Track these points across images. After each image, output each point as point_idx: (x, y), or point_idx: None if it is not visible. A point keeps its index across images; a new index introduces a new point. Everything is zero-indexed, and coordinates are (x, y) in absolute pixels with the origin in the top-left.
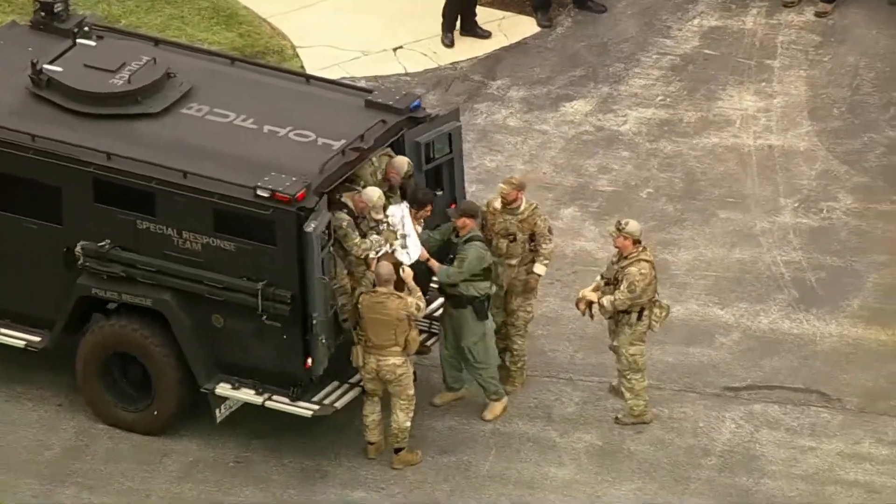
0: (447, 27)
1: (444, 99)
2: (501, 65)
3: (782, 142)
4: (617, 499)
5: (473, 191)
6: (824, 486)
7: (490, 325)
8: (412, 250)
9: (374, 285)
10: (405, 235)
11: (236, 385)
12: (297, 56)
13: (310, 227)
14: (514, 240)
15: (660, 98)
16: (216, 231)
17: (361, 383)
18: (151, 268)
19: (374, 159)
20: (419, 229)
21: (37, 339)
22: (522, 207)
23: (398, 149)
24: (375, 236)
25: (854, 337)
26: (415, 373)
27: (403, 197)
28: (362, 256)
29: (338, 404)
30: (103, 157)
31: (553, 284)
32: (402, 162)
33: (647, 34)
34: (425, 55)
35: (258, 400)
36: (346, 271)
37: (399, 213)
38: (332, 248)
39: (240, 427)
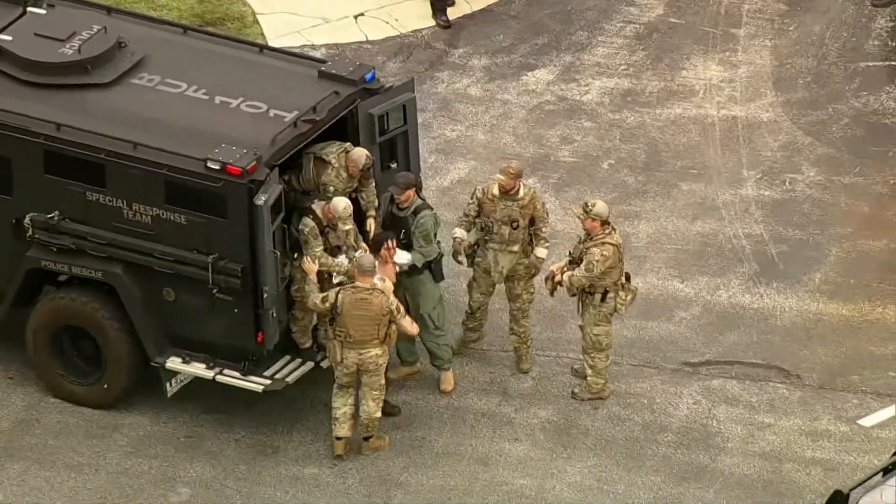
0: (438, 9)
1: (406, 67)
2: (464, 32)
3: (746, 112)
4: (572, 475)
5: (433, 161)
6: (782, 463)
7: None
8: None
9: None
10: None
11: (187, 359)
12: (258, 23)
13: (260, 199)
14: (517, 226)
15: (623, 67)
16: (166, 203)
17: (323, 363)
18: (101, 240)
19: (332, 160)
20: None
21: None
22: (522, 193)
23: (352, 120)
24: (343, 260)
25: (815, 311)
26: (388, 362)
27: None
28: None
29: (290, 379)
30: (53, 128)
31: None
32: (360, 154)
33: (611, 1)
34: (387, 22)
35: (209, 374)
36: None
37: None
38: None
39: (191, 402)
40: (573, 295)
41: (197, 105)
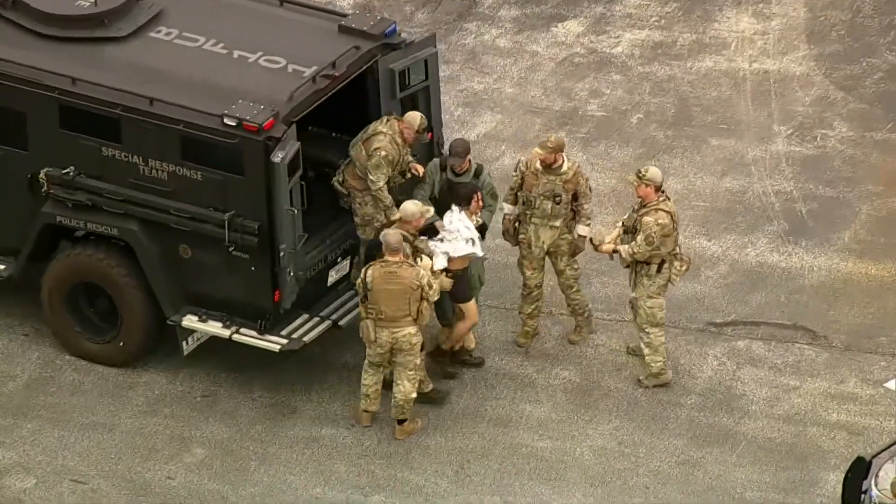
0: None
1: (434, 18)
2: None
3: (778, 66)
4: (593, 438)
5: (459, 114)
6: (806, 427)
7: None
8: (478, 245)
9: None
10: (471, 239)
11: (203, 317)
12: None
13: (277, 157)
14: (559, 201)
15: (654, 19)
16: (183, 159)
17: (342, 322)
18: (117, 196)
19: (383, 129)
20: (478, 219)
21: (1, 267)
22: (566, 167)
23: (373, 77)
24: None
25: (844, 271)
26: (423, 342)
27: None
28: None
29: (307, 338)
30: (68, 82)
31: None
32: (414, 116)
33: None
34: None
35: (225, 333)
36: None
37: (456, 219)
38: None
39: (208, 361)
40: (626, 266)
41: (214, 59)
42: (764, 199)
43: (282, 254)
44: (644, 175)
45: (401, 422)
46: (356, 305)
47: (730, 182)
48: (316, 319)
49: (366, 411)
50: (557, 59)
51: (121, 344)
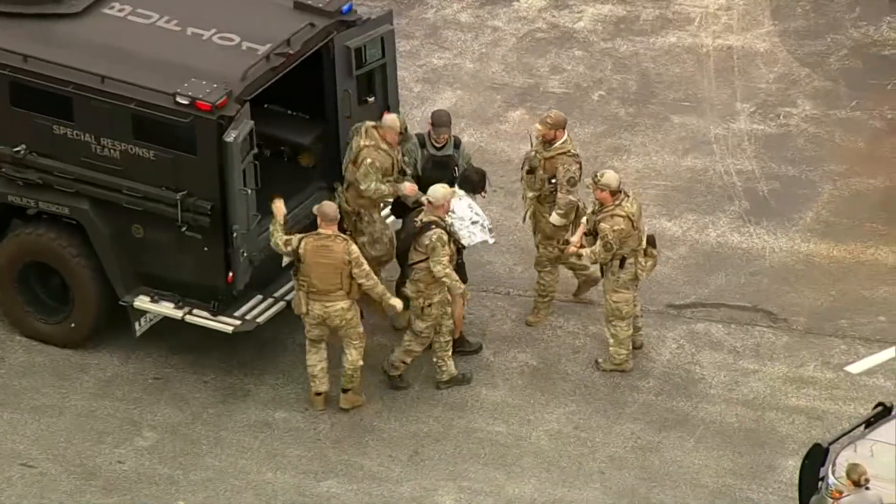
0: None
1: None
2: None
3: (742, 42)
4: (549, 422)
5: (419, 91)
6: (765, 411)
7: None
8: (488, 232)
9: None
10: (476, 222)
11: (156, 298)
12: None
13: (230, 136)
14: (533, 176)
15: None
16: (135, 138)
17: (288, 298)
18: (69, 175)
19: (364, 142)
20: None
21: None
22: (555, 146)
23: (328, 54)
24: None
25: (805, 252)
26: (361, 311)
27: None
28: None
29: (260, 319)
30: (20, 59)
31: (496, 192)
32: (392, 120)
33: None
34: None
35: (178, 314)
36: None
37: (465, 205)
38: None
39: (161, 342)
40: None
41: (168, 36)
42: (726, 178)
43: (235, 234)
44: (599, 180)
45: (345, 390)
46: None
47: (691, 161)
48: (270, 300)
49: (317, 394)
50: (519, 35)
51: (72, 325)
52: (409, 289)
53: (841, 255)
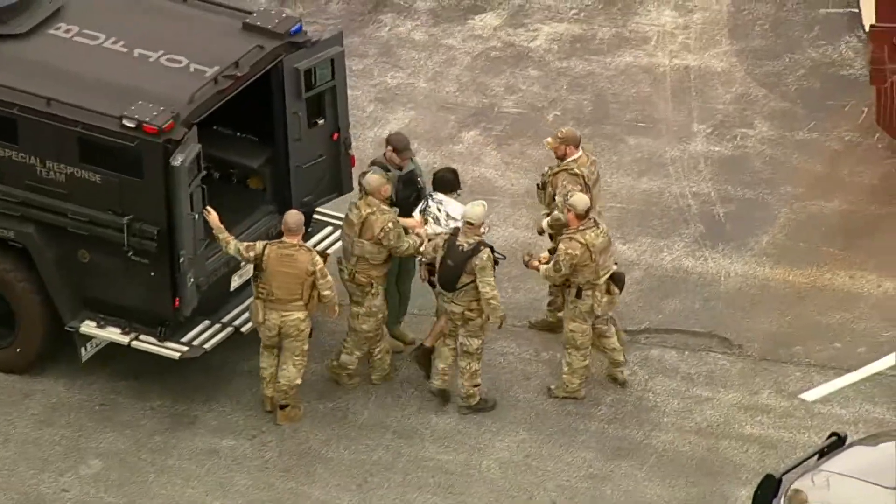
0: None
1: (348, 9)
2: None
3: (699, 62)
4: (499, 451)
5: (372, 110)
6: (718, 440)
7: None
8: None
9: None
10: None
11: (102, 323)
12: None
13: (177, 160)
14: (543, 188)
15: (574, 12)
16: (81, 161)
17: (244, 328)
18: (13, 198)
19: (369, 211)
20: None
21: None
22: (563, 163)
23: (278, 76)
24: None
25: (760, 277)
26: (311, 329)
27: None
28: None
29: (208, 346)
30: None
31: None
32: (378, 182)
33: None
34: None
35: (124, 340)
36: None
37: (455, 206)
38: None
39: (107, 368)
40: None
41: (115, 58)
42: (681, 200)
43: (182, 259)
44: (567, 199)
45: (283, 406)
46: None
47: (647, 183)
48: (218, 326)
49: (269, 396)
50: (473, 53)
51: (17, 350)
52: (458, 308)
53: (797, 279)
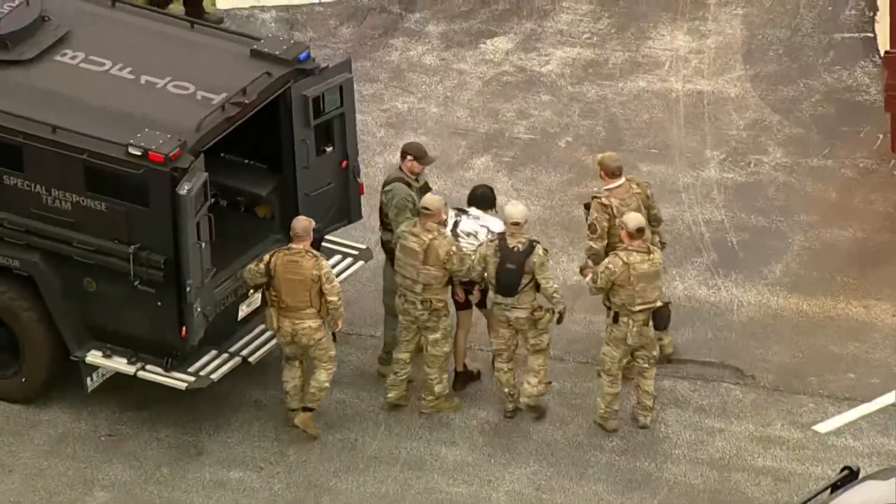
0: None
1: (359, 32)
2: None
3: (713, 87)
4: (509, 483)
5: (382, 136)
6: (731, 472)
7: None
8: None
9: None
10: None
11: (108, 353)
12: None
13: (183, 189)
14: (587, 209)
15: (587, 36)
16: (87, 190)
17: (252, 358)
18: (19, 227)
19: (428, 234)
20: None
21: None
22: (603, 190)
23: (286, 104)
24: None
25: (774, 307)
26: (334, 334)
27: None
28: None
29: (215, 376)
30: None
31: None
32: (438, 203)
33: None
34: None
35: (131, 370)
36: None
37: (493, 222)
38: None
39: (114, 398)
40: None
41: (121, 85)
42: (694, 228)
43: (189, 289)
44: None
45: (308, 409)
46: (267, 341)
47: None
48: (225, 356)
49: (291, 410)
50: (485, 78)
51: (22, 380)
52: (522, 312)
53: (810, 309)
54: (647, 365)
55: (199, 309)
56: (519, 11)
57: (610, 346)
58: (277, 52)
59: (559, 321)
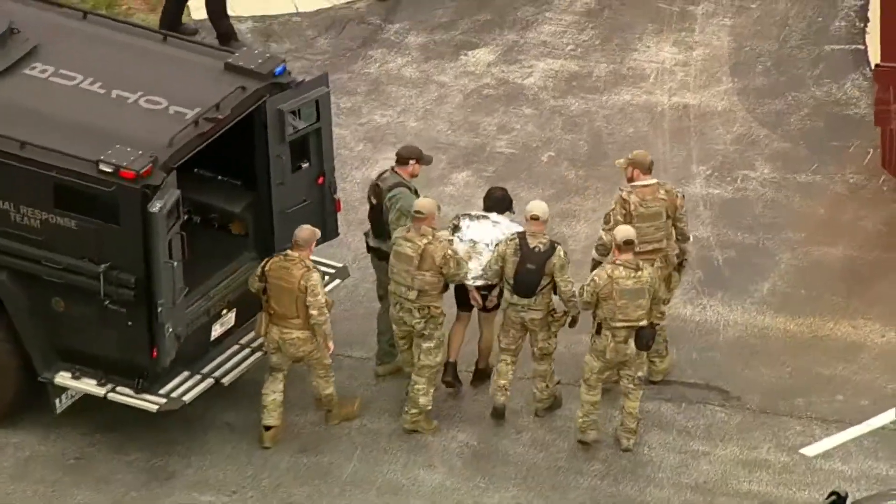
0: None
1: (337, 44)
2: (402, 6)
3: (699, 100)
4: None
5: (360, 150)
6: (715, 497)
7: None
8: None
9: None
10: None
11: (77, 374)
12: None
13: (155, 206)
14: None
15: (570, 48)
16: (56, 207)
17: (225, 380)
18: None
19: (423, 240)
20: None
21: None
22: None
23: (260, 118)
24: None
25: (761, 326)
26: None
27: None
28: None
29: (186, 398)
30: None
31: None
32: (431, 206)
33: None
34: None
35: (100, 391)
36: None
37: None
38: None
39: (83, 419)
40: None
41: (92, 99)
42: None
43: (160, 309)
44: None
45: (328, 411)
46: (241, 361)
47: None
48: (197, 377)
49: (266, 428)
50: (466, 91)
51: None
52: (538, 314)
53: (798, 329)
54: (631, 386)
55: (170, 329)
56: (501, 22)
57: (591, 356)
58: (252, 66)
59: (572, 325)
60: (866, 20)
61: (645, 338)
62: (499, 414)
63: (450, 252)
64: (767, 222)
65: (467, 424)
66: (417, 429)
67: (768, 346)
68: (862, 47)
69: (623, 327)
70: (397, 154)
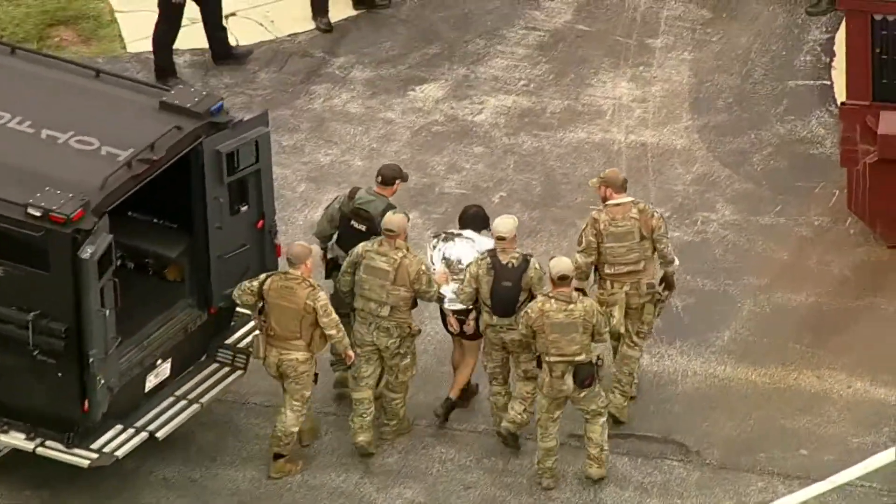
0: (319, 10)
1: (279, 78)
2: (347, 38)
3: (658, 139)
4: None
5: (303, 191)
6: None
7: None
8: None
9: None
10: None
11: (5, 428)
12: (116, 22)
13: (86, 252)
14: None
15: (523, 83)
16: None
17: (159, 434)
18: None
19: (397, 253)
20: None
21: None
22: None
23: (196, 159)
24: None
25: (721, 377)
26: (316, 374)
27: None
28: None
29: (119, 452)
30: None
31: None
32: (401, 221)
33: (514, 4)
34: (260, 24)
35: (29, 446)
36: None
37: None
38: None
39: (12, 475)
40: None
41: (20, 140)
42: None
43: (91, 359)
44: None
45: (278, 457)
46: (176, 414)
47: None
48: (131, 431)
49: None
50: (414, 128)
51: None
52: (518, 335)
53: (760, 379)
54: (588, 416)
55: (102, 381)
56: (451, 56)
57: (539, 393)
58: (188, 105)
59: None
60: (832, 54)
61: (582, 374)
62: (512, 440)
63: (423, 268)
64: (728, 267)
65: (413, 480)
66: (399, 435)
67: (729, 398)
68: (828, 83)
69: (558, 362)
70: (381, 174)
